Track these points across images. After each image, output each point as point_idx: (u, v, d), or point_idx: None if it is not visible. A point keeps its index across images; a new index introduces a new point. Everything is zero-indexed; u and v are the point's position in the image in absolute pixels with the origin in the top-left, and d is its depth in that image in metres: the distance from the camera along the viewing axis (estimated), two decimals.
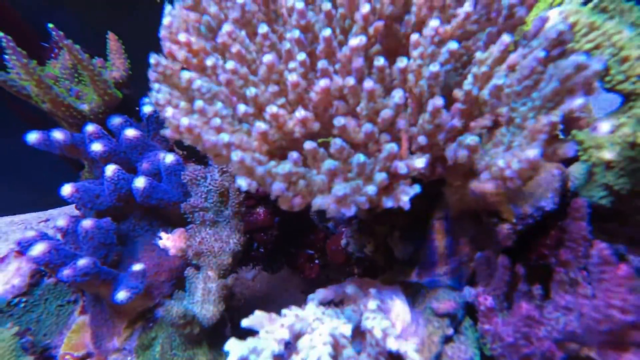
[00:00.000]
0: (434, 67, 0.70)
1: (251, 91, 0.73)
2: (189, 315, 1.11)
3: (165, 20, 0.83)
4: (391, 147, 0.71)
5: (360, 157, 0.69)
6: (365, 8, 0.75)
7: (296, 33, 0.75)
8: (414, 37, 0.74)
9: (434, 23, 0.71)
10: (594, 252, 0.67)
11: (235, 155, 0.66)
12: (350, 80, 0.73)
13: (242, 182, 0.68)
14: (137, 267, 1.21)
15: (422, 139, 0.76)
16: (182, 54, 0.80)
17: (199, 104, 0.73)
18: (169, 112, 0.74)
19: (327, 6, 0.77)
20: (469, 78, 0.74)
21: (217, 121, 0.71)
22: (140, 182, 1.27)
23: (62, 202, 1.39)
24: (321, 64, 0.74)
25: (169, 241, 1.27)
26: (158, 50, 0.83)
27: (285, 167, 0.68)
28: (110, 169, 1.28)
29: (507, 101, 0.72)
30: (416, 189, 0.74)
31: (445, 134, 0.76)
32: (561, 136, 0.88)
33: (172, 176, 1.34)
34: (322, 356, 0.75)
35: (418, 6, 0.78)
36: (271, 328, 0.80)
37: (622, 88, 0.83)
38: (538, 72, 0.67)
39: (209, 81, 0.79)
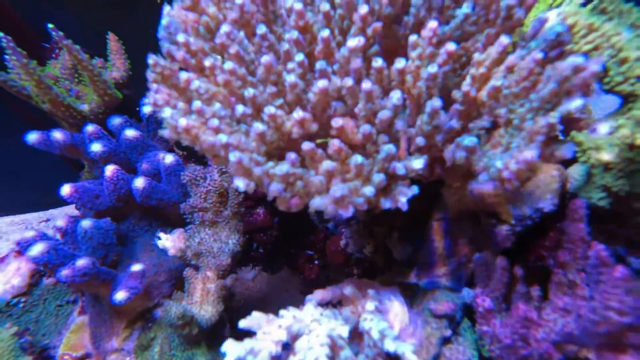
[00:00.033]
0: (432, 69, 0.70)
1: (249, 92, 0.73)
2: (188, 316, 1.11)
3: (164, 21, 0.83)
4: (389, 148, 0.71)
5: (358, 158, 0.69)
6: (363, 9, 0.75)
7: (294, 34, 0.75)
8: (413, 38, 0.74)
9: (432, 24, 0.71)
10: (592, 253, 0.67)
11: (233, 156, 0.66)
12: (349, 81, 0.73)
13: (240, 183, 0.68)
14: (136, 267, 1.21)
15: (420, 140, 0.76)
16: (180, 55, 0.80)
17: (197, 104, 0.73)
18: (167, 112, 0.74)
19: (325, 7, 0.77)
20: (467, 79, 0.74)
21: (215, 122, 0.71)
22: (139, 183, 1.27)
23: (63, 202, 1.39)
24: (319, 64, 0.74)
25: (168, 241, 1.27)
26: (158, 50, 0.83)
27: (282, 168, 0.68)
28: (110, 169, 1.28)
29: (505, 102, 0.72)
30: (414, 190, 0.74)
31: (444, 135, 0.75)
32: (561, 137, 0.88)
33: (172, 176, 1.35)
34: (320, 357, 0.75)
35: (416, 7, 0.78)
36: (269, 329, 0.80)
37: (621, 89, 0.83)
38: (536, 73, 0.67)
39: (207, 82, 0.79)
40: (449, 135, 0.76)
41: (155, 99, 0.78)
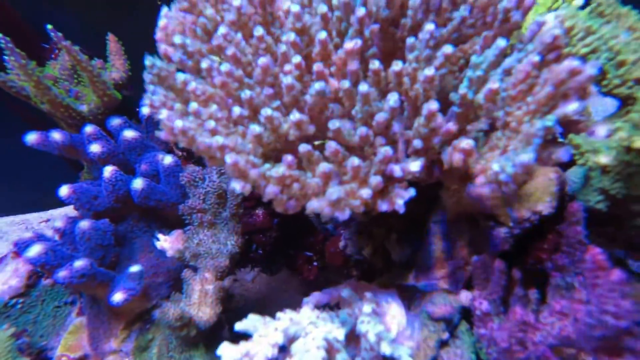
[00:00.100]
0: (429, 71, 0.70)
1: (246, 94, 0.73)
2: (186, 318, 1.11)
3: (161, 22, 0.83)
4: (386, 150, 0.71)
5: (355, 160, 0.69)
6: (360, 11, 0.75)
7: (292, 36, 0.75)
8: (410, 40, 0.74)
9: (429, 27, 0.71)
10: (588, 257, 0.66)
11: (229, 158, 0.66)
12: (346, 83, 0.73)
13: (236, 185, 0.68)
14: (135, 268, 1.21)
15: (417, 143, 0.75)
16: (177, 56, 0.80)
17: (193, 106, 0.73)
18: (163, 114, 0.73)
19: (323, 9, 0.77)
20: (465, 81, 0.74)
21: (211, 123, 0.71)
22: (138, 184, 1.27)
23: (63, 202, 1.39)
24: (317, 66, 0.74)
25: (167, 242, 1.27)
26: (157, 52, 0.83)
27: (279, 170, 0.68)
28: (109, 170, 1.28)
29: (503, 105, 0.71)
30: (411, 192, 0.74)
31: (441, 137, 0.75)
32: (561, 139, 0.88)
33: (171, 177, 1.34)
34: None
35: (414, 10, 0.78)
36: (265, 332, 0.80)
37: (618, 92, 0.83)
38: (533, 76, 0.66)
39: (204, 83, 0.78)
40: (446, 138, 0.75)
41: (152, 101, 0.78)
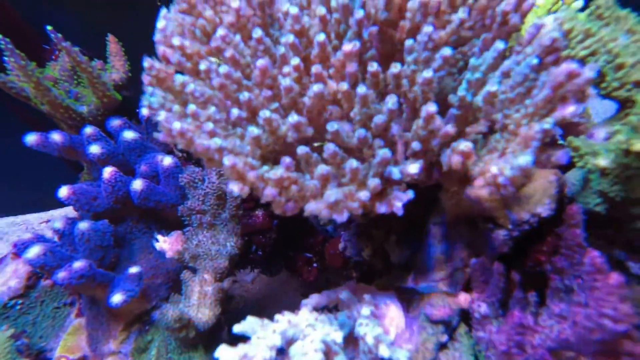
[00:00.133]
0: (427, 73, 0.70)
1: (244, 95, 0.73)
2: (185, 319, 1.11)
3: (160, 24, 0.83)
4: (384, 152, 0.71)
5: (353, 163, 0.69)
6: (359, 13, 0.75)
7: (290, 38, 0.75)
8: (409, 42, 0.74)
9: (427, 29, 0.71)
10: (586, 260, 0.66)
11: (227, 160, 0.66)
12: (344, 85, 0.73)
13: (234, 187, 0.68)
14: (134, 269, 1.21)
15: (416, 145, 0.75)
16: (176, 58, 0.80)
17: (191, 107, 0.73)
18: (161, 115, 0.73)
19: (321, 11, 0.77)
20: (463, 84, 0.73)
21: (209, 125, 0.71)
22: (137, 185, 1.27)
23: (63, 203, 1.39)
24: (315, 68, 0.74)
25: (166, 244, 1.27)
26: (156, 53, 0.83)
27: (277, 172, 0.68)
28: (108, 171, 1.28)
29: (501, 107, 0.71)
30: (410, 194, 0.74)
31: (439, 139, 0.75)
32: (561, 141, 0.88)
33: (170, 178, 1.34)
34: None
35: (412, 12, 0.78)
36: (263, 334, 0.79)
37: (617, 95, 0.83)
38: (531, 79, 0.66)
39: (203, 85, 0.78)
40: (445, 140, 0.75)
41: (151, 102, 0.78)
